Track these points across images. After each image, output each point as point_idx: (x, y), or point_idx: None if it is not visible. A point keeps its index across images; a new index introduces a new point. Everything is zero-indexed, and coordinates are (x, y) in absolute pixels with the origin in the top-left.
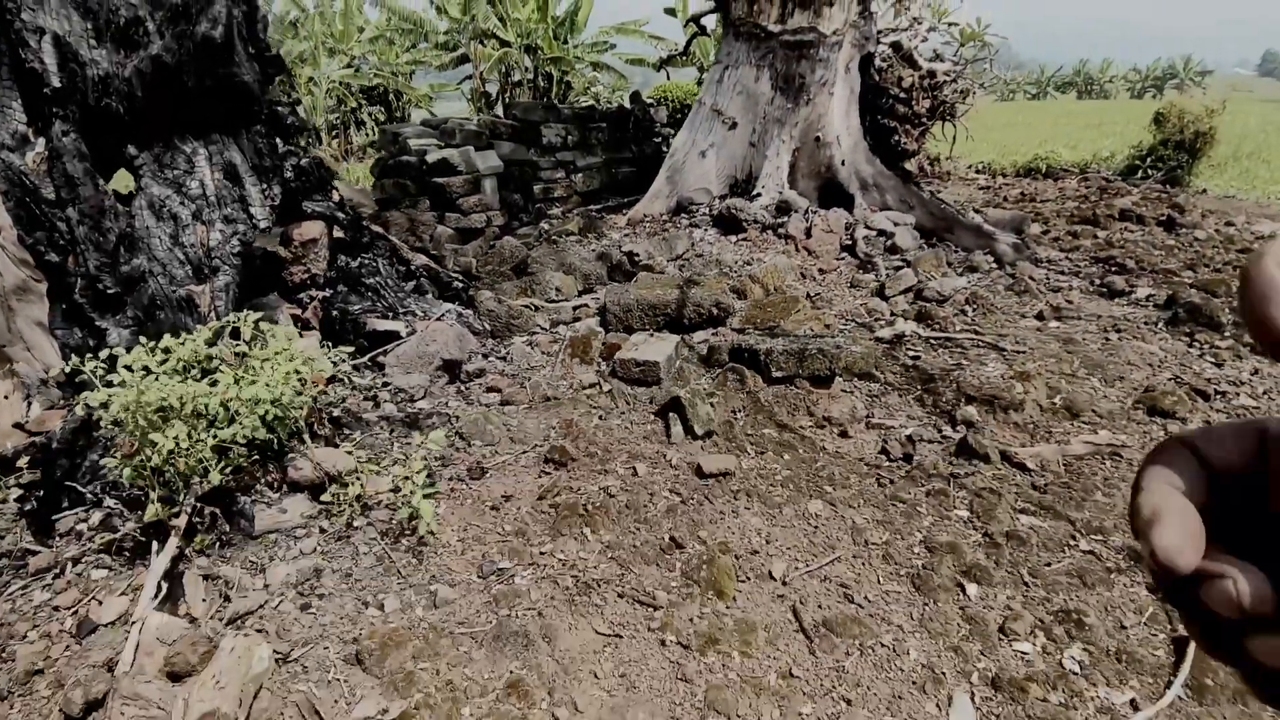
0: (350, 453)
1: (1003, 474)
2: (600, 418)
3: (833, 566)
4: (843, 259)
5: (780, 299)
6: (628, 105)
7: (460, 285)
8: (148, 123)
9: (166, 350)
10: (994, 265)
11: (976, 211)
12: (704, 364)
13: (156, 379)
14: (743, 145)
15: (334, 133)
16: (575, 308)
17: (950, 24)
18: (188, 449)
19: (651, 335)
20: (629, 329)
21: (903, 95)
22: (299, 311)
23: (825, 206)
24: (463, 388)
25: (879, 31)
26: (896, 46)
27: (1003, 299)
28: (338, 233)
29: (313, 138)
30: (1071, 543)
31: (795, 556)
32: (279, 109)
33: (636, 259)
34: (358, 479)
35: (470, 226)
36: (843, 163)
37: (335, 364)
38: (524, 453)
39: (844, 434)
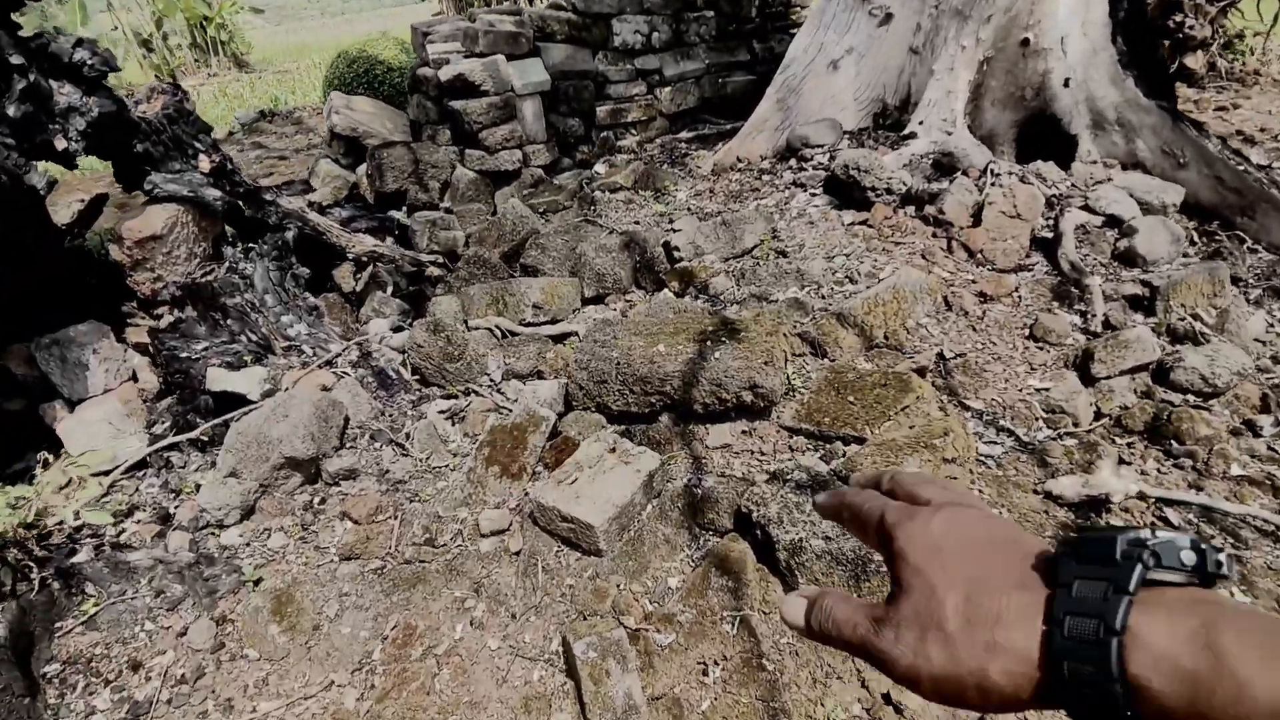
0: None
1: None
2: (472, 622)
3: None
4: (1031, 268)
5: (877, 375)
6: None
7: (438, 274)
8: None
9: None
10: None
11: None
12: (689, 520)
13: None
14: (899, 51)
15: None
16: (556, 337)
17: None
18: None
19: (613, 449)
20: (602, 409)
21: None
22: (150, 340)
23: (1026, 158)
24: (313, 502)
25: None
26: None
27: None
28: (243, 208)
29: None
30: None
31: None
32: (52, 45)
33: (677, 255)
34: None
35: (498, 169)
36: (1066, 83)
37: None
38: (305, 698)
39: None
